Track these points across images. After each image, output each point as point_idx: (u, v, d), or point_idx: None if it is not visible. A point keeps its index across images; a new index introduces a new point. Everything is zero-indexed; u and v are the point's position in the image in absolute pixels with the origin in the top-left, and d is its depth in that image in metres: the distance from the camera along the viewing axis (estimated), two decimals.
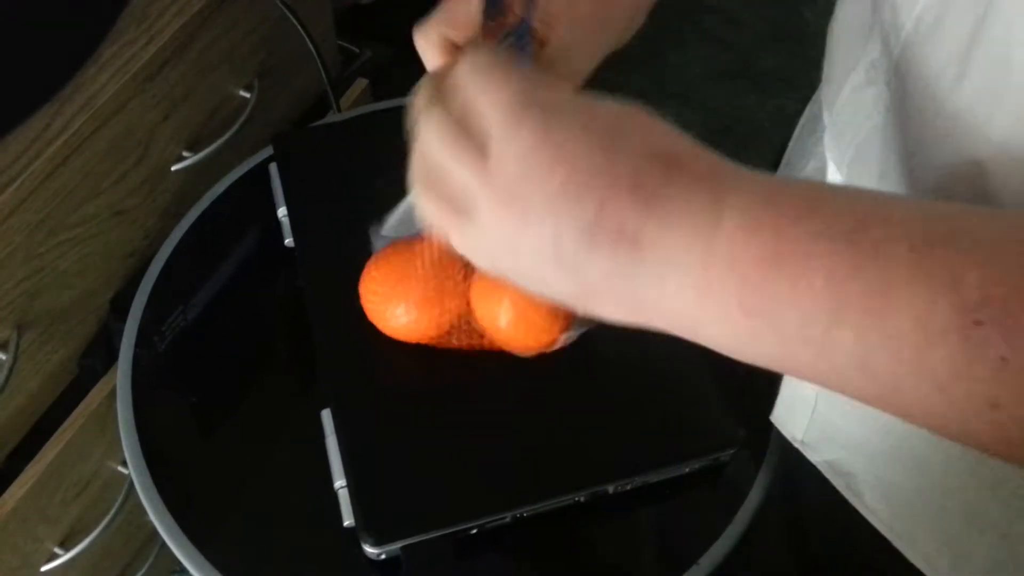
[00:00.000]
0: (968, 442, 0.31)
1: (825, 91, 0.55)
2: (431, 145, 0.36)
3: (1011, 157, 0.37)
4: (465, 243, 0.37)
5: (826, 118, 0.54)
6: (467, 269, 0.58)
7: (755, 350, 0.33)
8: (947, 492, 0.49)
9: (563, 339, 0.56)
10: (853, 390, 0.32)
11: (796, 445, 0.59)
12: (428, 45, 0.43)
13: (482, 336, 0.60)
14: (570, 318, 0.55)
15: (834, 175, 0.52)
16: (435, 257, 0.56)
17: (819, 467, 0.57)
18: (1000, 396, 0.29)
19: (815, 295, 0.31)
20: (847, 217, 0.31)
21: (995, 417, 0.29)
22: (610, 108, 0.35)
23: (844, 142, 0.50)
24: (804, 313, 0.31)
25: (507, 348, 0.59)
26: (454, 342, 0.61)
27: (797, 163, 0.62)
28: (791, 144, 0.66)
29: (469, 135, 0.35)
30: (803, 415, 0.58)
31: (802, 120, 0.65)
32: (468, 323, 0.60)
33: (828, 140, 0.54)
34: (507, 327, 0.57)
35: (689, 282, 0.33)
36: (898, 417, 0.32)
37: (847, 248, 0.31)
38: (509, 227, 0.34)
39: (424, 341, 0.61)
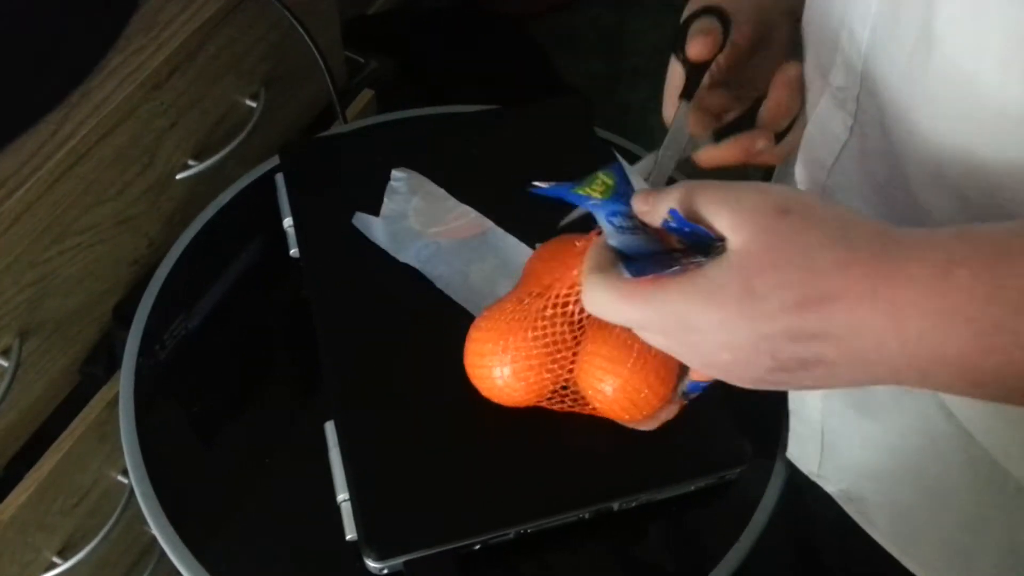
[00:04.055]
0: None
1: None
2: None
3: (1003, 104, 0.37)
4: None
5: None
6: (578, 335, 0.55)
7: (1003, 402, 0.35)
8: (950, 506, 0.50)
9: (664, 413, 0.54)
10: None
11: (813, 478, 0.59)
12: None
13: (581, 403, 0.57)
14: (672, 391, 0.54)
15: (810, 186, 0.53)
16: (548, 320, 0.54)
17: (835, 497, 0.57)
18: None
19: None
20: None
21: None
22: (733, 276, 0.35)
23: (817, 163, 0.50)
24: None
25: (609, 416, 0.56)
26: (546, 405, 0.58)
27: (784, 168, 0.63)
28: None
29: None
30: (814, 449, 0.57)
31: None
32: (568, 390, 0.57)
33: (800, 162, 0.54)
34: (613, 396, 0.54)
35: (904, 371, 0.34)
36: None
37: None
38: (723, 376, 0.39)
39: (521, 405, 0.58)
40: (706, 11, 0.53)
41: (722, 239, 0.36)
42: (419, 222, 0.71)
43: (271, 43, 0.86)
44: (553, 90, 1.47)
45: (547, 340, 0.54)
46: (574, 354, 0.55)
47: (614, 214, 0.40)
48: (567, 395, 0.57)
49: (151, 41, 0.73)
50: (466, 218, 0.71)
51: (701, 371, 0.40)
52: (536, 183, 0.41)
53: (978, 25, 0.36)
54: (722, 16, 0.53)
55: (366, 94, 0.96)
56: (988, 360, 0.32)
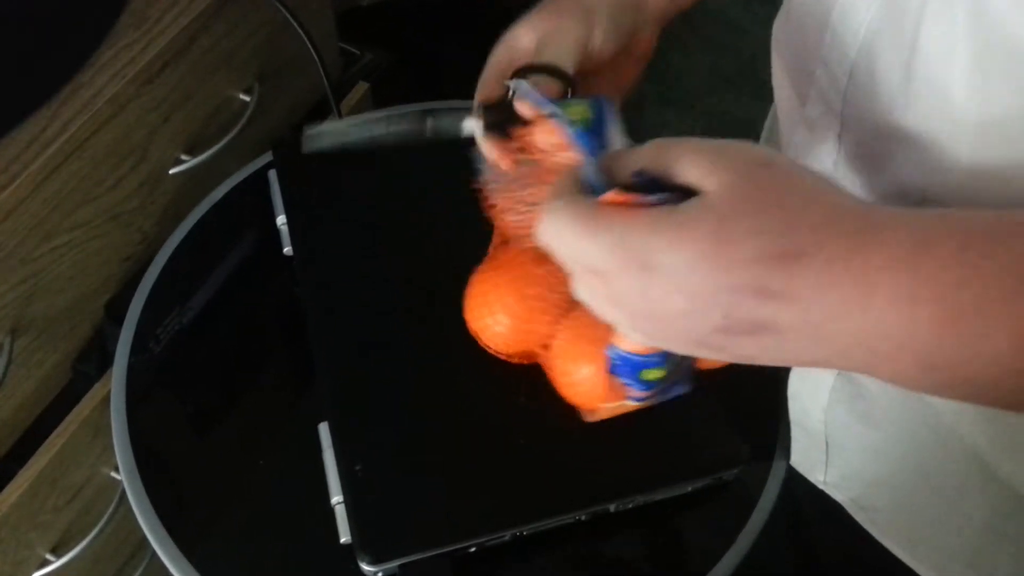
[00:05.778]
0: None
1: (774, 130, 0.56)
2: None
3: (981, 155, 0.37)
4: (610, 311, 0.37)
5: None
6: (565, 308, 0.55)
7: (944, 394, 0.33)
8: (966, 512, 0.49)
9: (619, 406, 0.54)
10: None
11: (821, 487, 0.58)
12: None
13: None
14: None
15: None
16: (544, 268, 0.53)
17: (844, 506, 0.56)
18: None
19: (1001, 350, 0.30)
20: (1013, 270, 0.30)
21: None
22: (708, 215, 0.32)
23: None
24: (990, 362, 0.31)
25: (569, 399, 0.56)
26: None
27: None
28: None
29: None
30: (819, 459, 0.57)
31: (767, 123, 0.65)
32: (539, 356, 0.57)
33: None
34: (580, 383, 0.54)
35: (853, 351, 0.32)
36: None
37: None
38: (655, 336, 0.35)
39: (516, 352, 0.57)
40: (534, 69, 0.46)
41: (694, 194, 0.33)
42: None
43: (264, 36, 0.85)
44: None
45: (544, 285, 0.53)
46: (567, 300, 0.54)
47: (590, 148, 0.36)
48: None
49: (142, 35, 0.72)
50: None
51: (638, 323, 0.35)
52: (515, 81, 0.37)
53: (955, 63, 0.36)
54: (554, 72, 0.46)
55: (361, 87, 0.95)
56: (946, 343, 0.31)
